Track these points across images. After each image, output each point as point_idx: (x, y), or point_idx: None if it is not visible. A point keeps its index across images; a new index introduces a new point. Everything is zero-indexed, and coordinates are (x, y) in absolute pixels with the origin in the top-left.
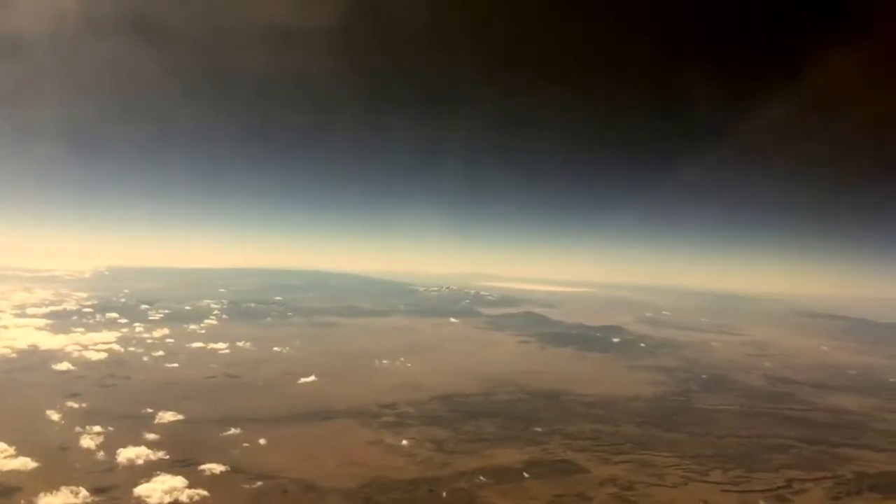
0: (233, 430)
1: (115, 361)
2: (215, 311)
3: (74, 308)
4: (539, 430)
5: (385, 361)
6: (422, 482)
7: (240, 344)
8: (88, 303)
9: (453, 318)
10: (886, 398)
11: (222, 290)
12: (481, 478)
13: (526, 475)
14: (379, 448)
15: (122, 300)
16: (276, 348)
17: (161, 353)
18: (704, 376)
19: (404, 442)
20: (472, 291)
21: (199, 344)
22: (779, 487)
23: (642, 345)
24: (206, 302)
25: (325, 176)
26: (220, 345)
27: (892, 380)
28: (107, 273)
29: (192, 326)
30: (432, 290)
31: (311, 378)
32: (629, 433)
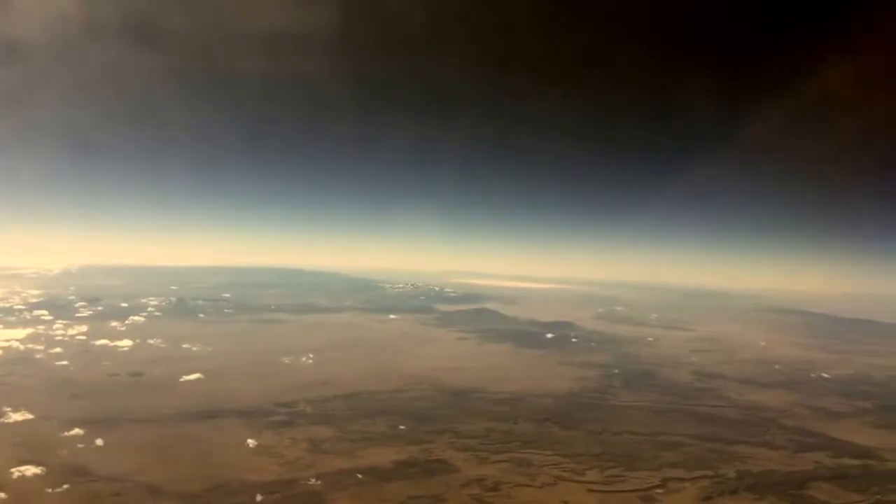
0: (76, 431)
1: (6, 359)
2: (150, 308)
3: (7, 306)
4: (430, 428)
5: (303, 358)
6: (275, 485)
7: (151, 342)
8: (33, 300)
9: (394, 314)
10: (809, 394)
11: (174, 286)
12: (341, 479)
13: (390, 476)
14: (248, 449)
15: (71, 297)
16: (185, 346)
17: (59, 350)
18: (632, 372)
19: (281, 442)
20: (437, 288)
21: (105, 341)
22: (651, 487)
23: (574, 339)
24: (148, 299)
25: (313, 176)
26: (126, 342)
27: (813, 375)
28: (74, 271)
29: (115, 324)
30: (398, 287)
31: (195, 376)
32: (523, 431)
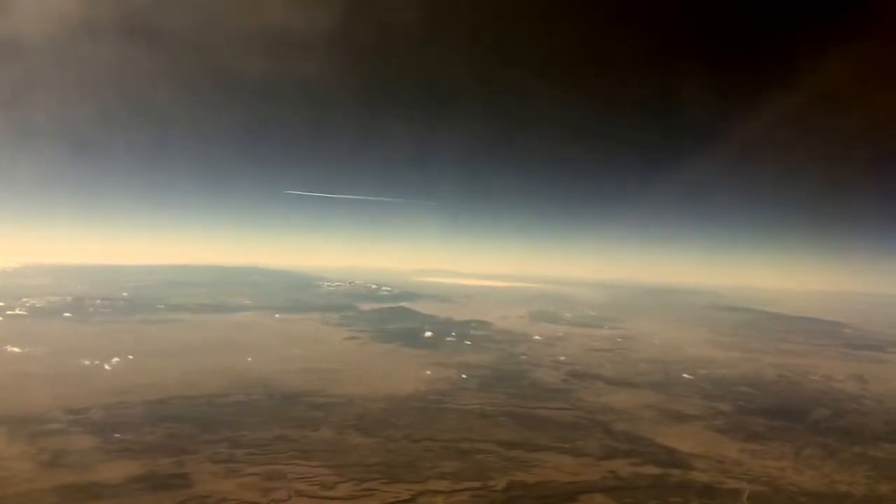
0: None
1: None
2: (18, 309)
3: None
4: (211, 437)
5: (136, 360)
6: None
7: None
8: None
9: (302, 313)
10: (674, 395)
11: (80, 286)
12: (45, 497)
13: (104, 493)
14: None
15: None
16: (9, 347)
17: None
18: (501, 373)
19: (25, 453)
20: (374, 286)
21: None
22: (394, 503)
23: (451, 339)
24: (33, 299)
25: (291, 174)
26: None
27: (693, 375)
28: (11, 270)
29: None
30: (333, 286)
31: None
32: (315, 439)
